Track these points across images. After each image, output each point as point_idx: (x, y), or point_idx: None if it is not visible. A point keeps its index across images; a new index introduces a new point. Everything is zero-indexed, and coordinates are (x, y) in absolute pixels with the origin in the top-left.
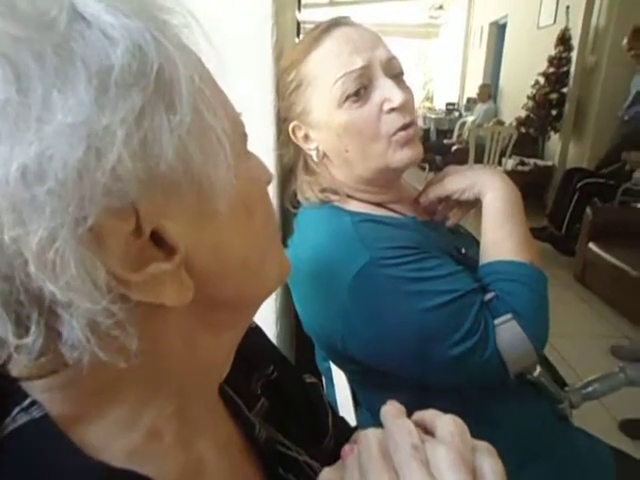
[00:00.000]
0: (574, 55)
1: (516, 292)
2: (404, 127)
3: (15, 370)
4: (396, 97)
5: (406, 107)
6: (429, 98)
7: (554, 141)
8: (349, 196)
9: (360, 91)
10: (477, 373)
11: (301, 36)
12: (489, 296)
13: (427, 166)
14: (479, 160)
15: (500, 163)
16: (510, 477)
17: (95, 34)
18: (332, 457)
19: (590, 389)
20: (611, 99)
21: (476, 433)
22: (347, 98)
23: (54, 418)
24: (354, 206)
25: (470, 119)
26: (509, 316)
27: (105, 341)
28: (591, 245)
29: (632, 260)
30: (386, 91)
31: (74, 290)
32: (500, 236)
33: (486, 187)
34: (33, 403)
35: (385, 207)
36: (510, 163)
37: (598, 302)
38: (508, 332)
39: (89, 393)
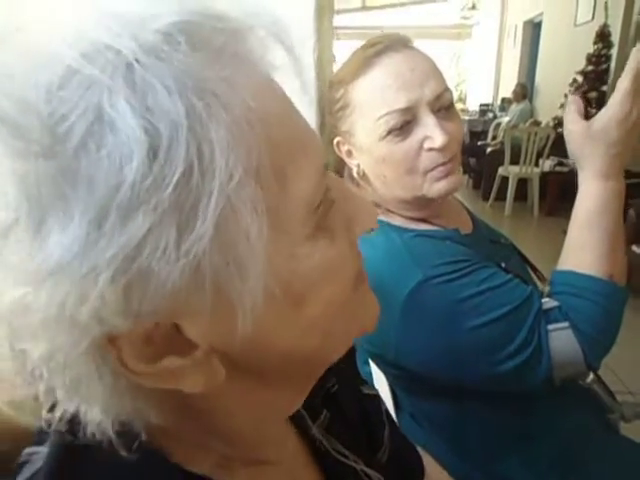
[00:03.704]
0: (614, 52)
1: (582, 309)
2: (444, 163)
3: None
4: (437, 139)
5: (447, 147)
6: (462, 99)
7: None
8: (390, 211)
9: (403, 126)
10: (529, 382)
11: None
12: (551, 305)
13: (461, 169)
14: (515, 162)
15: (537, 164)
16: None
17: (112, 144)
18: (384, 470)
19: None
20: None
21: (520, 442)
22: (390, 132)
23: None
24: (399, 221)
25: (505, 120)
26: (566, 324)
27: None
28: (634, 247)
29: None
30: (429, 130)
31: (77, 387)
32: (586, 241)
33: (589, 169)
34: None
35: (427, 221)
36: (548, 164)
37: None
38: (561, 340)
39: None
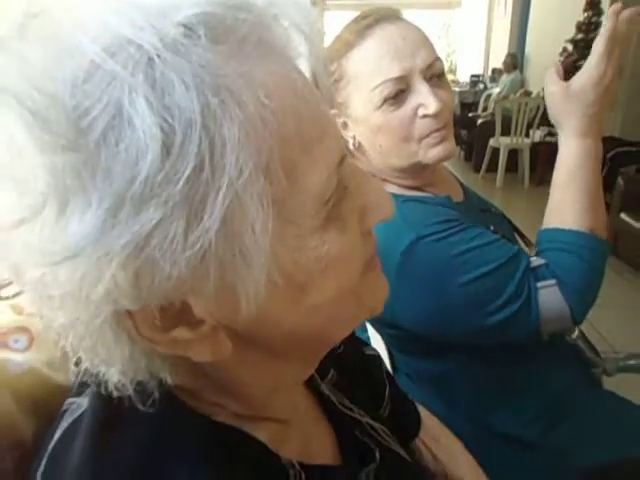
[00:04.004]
0: (604, 20)
1: (566, 263)
2: (437, 130)
3: None
4: (431, 105)
5: (441, 113)
6: (452, 70)
7: None
8: (384, 179)
9: (398, 94)
10: (516, 335)
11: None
12: (538, 262)
13: (453, 138)
14: (506, 133)
15: (528, 135)
16: (542, 437)
17: (129, 139)
18: (387, 424)
19: (630, 362)
20: None
21: (510, 394)
22: (385, 101)
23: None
24: (393, 189)
25: (496, 91)
26: (553, 282)
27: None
28: (622, 215)
29: None
30: (422, 97)
31: (96, 351)
32: (567, 199)
33: (567, 128)
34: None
35: (420, 189)
36: (538, 134)
37: (631, 272)
38: (549, 296)
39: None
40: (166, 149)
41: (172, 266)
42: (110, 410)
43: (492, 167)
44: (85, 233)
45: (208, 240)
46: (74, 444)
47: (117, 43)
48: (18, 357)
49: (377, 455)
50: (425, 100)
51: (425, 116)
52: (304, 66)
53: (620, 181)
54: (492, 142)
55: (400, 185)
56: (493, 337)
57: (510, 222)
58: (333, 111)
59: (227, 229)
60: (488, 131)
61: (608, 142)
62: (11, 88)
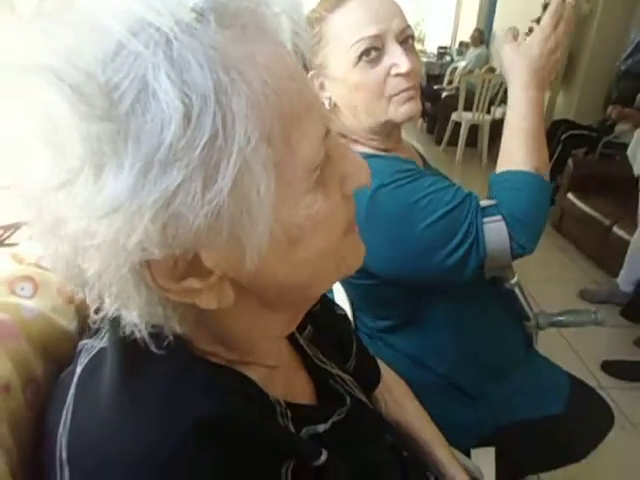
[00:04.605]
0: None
1: (513, 199)
2: (407, 89)
3: None
4: (403, 65)
5: (411, 74)
6: (420, 40)
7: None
8: (355, 140)
9: (372, 52)
10: (468, 272)
11: None
12: (488, 203)
13: (419, 101)
14: (469, 107)
15: (489, 111)
16: (487, 386)
17: (154, 110)
18: (353, 376)
19: (560, 318)
20: (603, 50)
21: (458, 347)
22: (361, 58)
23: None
24: (360, 149)
25: (462, 64)
26: (499, 217)
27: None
28: (569, 195)
29: (606, 210)
30: (395, 58)
31: (120, 297)
32: (514, 144)
33: (515, 81)
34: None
35: (387, 152)
36: (499, 111)
37: (573, 250)
38: (493, 230)
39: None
40: (187, 119)
41: (193, 219)
42: (129, 349)
43: (453, 141)
44: (121, 191)
45: (222, 198)
46: (100, 375)
47: (139, 26)
48: (29, 303)
49: (348, 400)
50: (398, 60)
51: (397, 75)
52: (289, 44)
53: (570, 162)
54: (454, 116)
55: (370, 147)
56: (451, 276)
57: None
58: (312, 72)
59: (237, 190)
60: (451, 105)
61: (563, 124)
62: (51, 66)
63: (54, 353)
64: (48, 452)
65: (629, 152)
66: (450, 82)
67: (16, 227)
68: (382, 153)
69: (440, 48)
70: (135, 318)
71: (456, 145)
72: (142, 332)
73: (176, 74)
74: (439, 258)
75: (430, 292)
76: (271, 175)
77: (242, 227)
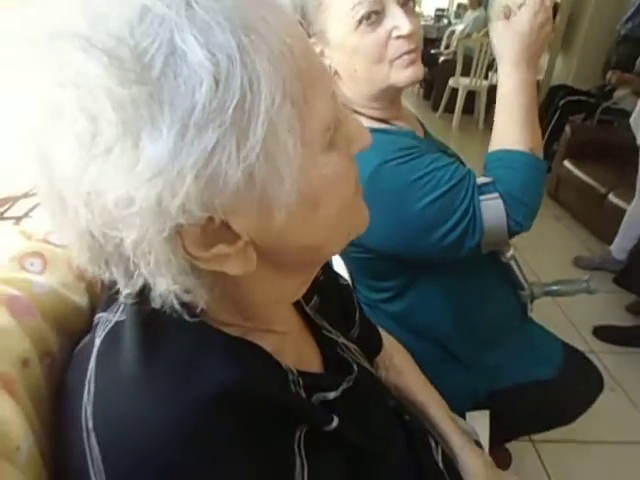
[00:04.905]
0: None
1: (510, 178)
2: (408, 52)
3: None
4: (404, 26)
5: (413, 36)
6: (417, 2)
7: (542, 56)
8: (355, 111)
9: (372, 15)
10: (466, 249)
11: None
12: (485, 180)
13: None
14: (466, 73)
15: (486, 77)
16: (482, 353)
17: (186, 72)
18: (356, 344)
19: (553, 287)
20: (604, 12)
21: (454, 315)
22: (361, 22)
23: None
24: (363, 121)
25: (459, 28)
26: (496, 195)
27: (189, 288)
28: (566, 162)
29: (602, 177)
30: (396, 20)
31: (157, 265)
32: (506, 122)
33: (505, 59)
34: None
35: (388, 122)
36: (496, 77)
37: (568, 218)
38: (490, 207)
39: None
40: (216, 81)
41: (230, 178)
42: (149, 321)
43: (450, 107)
44: (162, 155)
45: (254, 157)
46: (120, 347)
47: None
48: (40, 279)
49: (355, 368)
50: (399, 22)
51: (399, 37)
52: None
53: (567, 129)
54: (451, 82)
55: (370, 117)
56: (449, 254)
57: (463, 164)
58: (312, 40)
59: (266, 149)
60: (449, 70)
61: (561, 90)
62: (82, 32)
63: (68, 328)
64: (71, 420)
65: (632, 121)
66: (447, 46)
67: (14, 200)
68: (384, 125)
69: (438, 10)
70: (167, 287)
71: (452, 112)
72: (173, 302)
73: (202, 35)
74: (437, 236)
75: (426, 265)
76: (296, 134)
77: (272, 187)
